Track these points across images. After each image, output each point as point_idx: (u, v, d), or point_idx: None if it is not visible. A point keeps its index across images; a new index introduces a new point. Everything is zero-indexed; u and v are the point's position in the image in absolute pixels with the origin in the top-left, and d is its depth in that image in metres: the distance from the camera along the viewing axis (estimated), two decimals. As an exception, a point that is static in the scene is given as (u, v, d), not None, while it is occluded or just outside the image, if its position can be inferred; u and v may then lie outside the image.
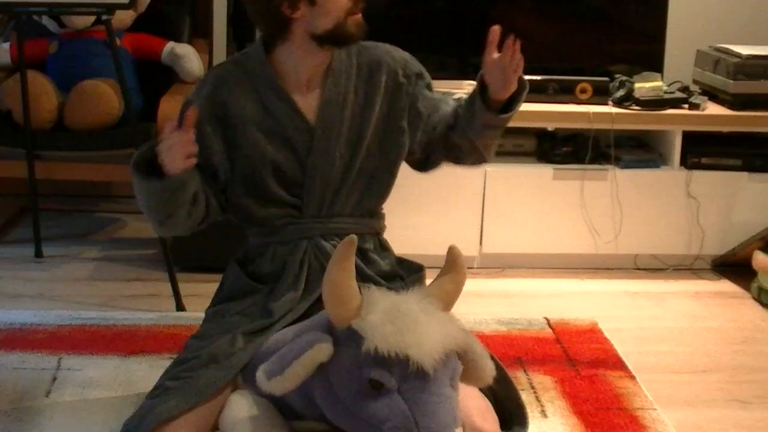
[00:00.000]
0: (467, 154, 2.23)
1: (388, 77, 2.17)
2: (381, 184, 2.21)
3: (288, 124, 2.11)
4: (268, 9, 2.06)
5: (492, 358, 1.90)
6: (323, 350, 1.75)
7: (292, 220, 2.16)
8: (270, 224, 2.17)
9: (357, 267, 1.83)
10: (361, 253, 2.13)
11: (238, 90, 2.11)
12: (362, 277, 2.07)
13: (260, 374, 1.79)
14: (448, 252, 1.89)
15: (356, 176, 2.16)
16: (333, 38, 2.06)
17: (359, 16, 2.06)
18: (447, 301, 1.86)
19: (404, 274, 2.23)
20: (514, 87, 2.10)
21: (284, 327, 2.05)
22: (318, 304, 1.97)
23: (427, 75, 2.26)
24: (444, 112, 2.22)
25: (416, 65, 2.23)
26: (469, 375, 1.83)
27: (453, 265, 1.88)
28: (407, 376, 1.71)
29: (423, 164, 2.30)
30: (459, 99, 2.26)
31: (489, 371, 1.85)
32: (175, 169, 1.95)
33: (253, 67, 2.13)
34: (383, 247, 2.25)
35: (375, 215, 2.24)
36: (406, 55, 2.23)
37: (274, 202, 2.14)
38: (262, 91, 2.11)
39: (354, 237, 1.77)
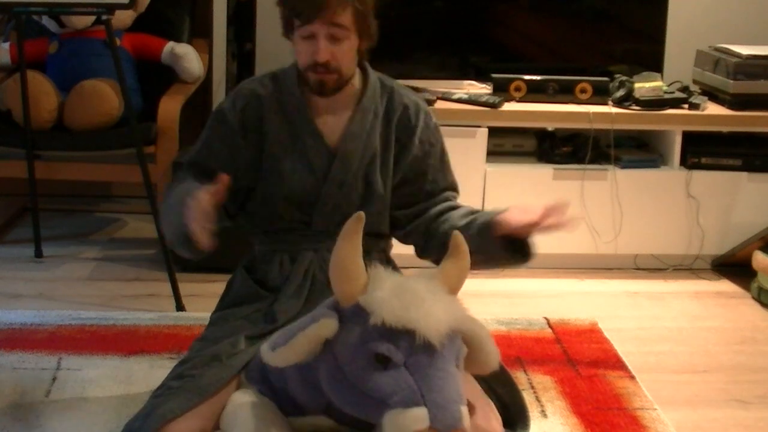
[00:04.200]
0: (434, 254, 2.19)
1: (405, 130, 2.22)
2: (387, 219, 2.25)
3: (310, 146, 2.16)
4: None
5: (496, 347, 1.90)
6: (328, 325, 1.76)
7: (301, 232, 2.19)
8: (277, 234, 2.19)
9: None
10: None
11: (270, 107, 2.17)
12: None
13: (265, 347, 1.80)
14: (451, 238, 1.91)
15: (369, 206, 2.18)
16: (304, 80, 2.15)
17: (321, 77, 2.10)
18: (451, 286, 1.86)
19: None
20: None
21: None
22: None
23: (442, 147, 2.29)
24: (434, 199, 2.25)
25: (435, 135, 2.26)
26: (474, 360, 1.83)
27: (456, 251, 1.90)
28: (414, 349, 1.72)
29: (393, 233, 2.31)
30: (452, 195, 2.29)
31: (494, 356, 1.85)
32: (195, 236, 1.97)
33: (286, 85, 2.19)
34: (389, 263, 2.26)
35: (382, 235, 2.26)
36: (432, 119, 2.27)
37: (283, 217, 2.19)
38: (290, 110, 2.17)
39: (362, 213, 1.79)
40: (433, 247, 2.19)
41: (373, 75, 2.23)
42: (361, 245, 1.80)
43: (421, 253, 2.26)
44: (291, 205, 2.17)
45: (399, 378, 1.72)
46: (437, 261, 2.09)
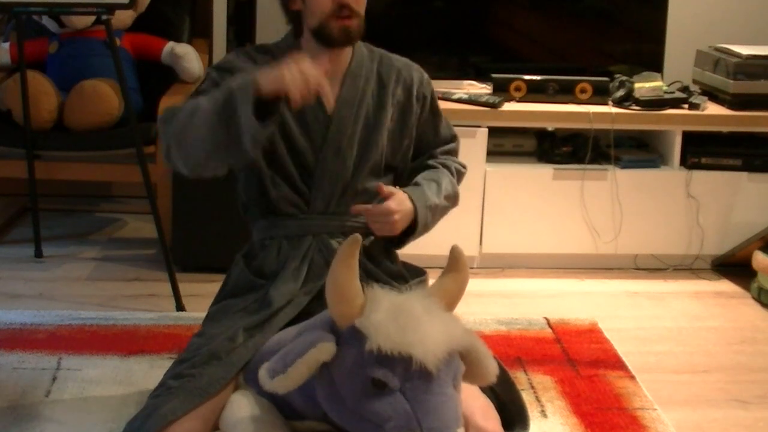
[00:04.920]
0: None
1: (404, 91, 2.24)
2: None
3: (308, 112, 2.15)
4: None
5: (494, 360, 1.90)
6: (326, 349, 1.75)
7: (299, 214, 2.17)
8: (277, 212, 2.18)
9: (361, 264, 1.83)
10: (366, 252, 2.15)
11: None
12: (366, 274, 2.10)
13: (263, 373, 1.79)
14: (450, 252, 1.90)
15: (365, 177, 2.19)
16: (321, 38, 2.13)
17: (345, 22, 2.10)
18: (450, 301, 1.86)
19: (408, 276, 2.24)
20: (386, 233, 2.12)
21: (286, 322, 2.06)
22: (320, 301, 1.98)
23: (435, 101, 2.32)
24: (418, 159, 2.30)
25: (428, 88, 2.29)
26: (472, 374, 1.83)
27: (455, 265, 1.89)
28: (410, 375, 1.71)
29: None
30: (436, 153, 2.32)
31: (492, 370, 1.85)
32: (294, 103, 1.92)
33: (282, 54, 2.14)
34: (388, 250, 2.26)
35: None
36: (424, 75, 2.30)
37: (286, 182, 2.17)
38: None
39: (358, 236, 1.78)
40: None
41: (359, 42, 2.24)
42: (357, 267, 1.79)
43: None
44: (294, 166, 2.16)
45: (395, 403, 1.71)
46: None
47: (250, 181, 2.21)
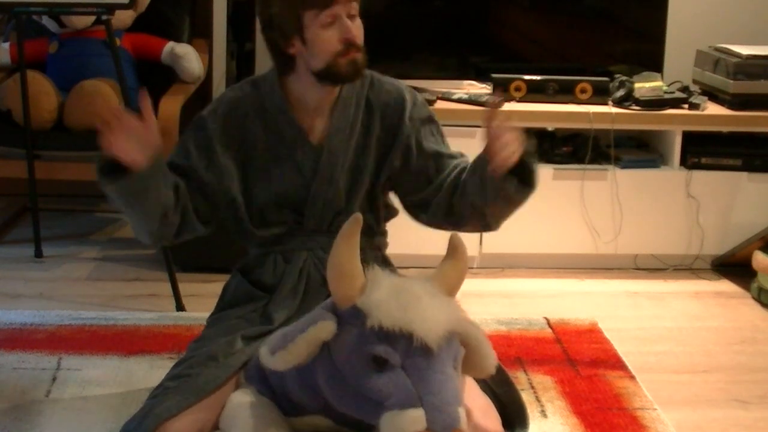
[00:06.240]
0: (468, 221, 2.19)
1: (392, 114, 2.20)
2: (380, 209, 2.25)
3: (296, 148, 2.15)
4: (270, 43, 2.12)
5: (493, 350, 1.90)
6: (327, 327, 1.77)
7: (293, 232, 2.18)
8: (270, 236, 2.19)
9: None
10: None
11: (252, 114, 2.15)
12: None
13: (264, 350, 1.81)
14: (449, 240, 1.91)
15: (358, 201, 2.19)
16: (327, 76, 2.09)
17: (354, 56, 2.07)
18: (449, 288, 1.87)
19: None
20: (505, 161, 2.07)
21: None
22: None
23: (434, 120, 2.26)
24: (445, 170, 2.21)
25: (424, 110, 2.24)
26: (471, 363, 1.84)
27: (454, 253, 1.90)
28: (411, 351, 1.72)
29: (419, 217, 2.27)
30: (461, 160, 2.23)
31: (491, 359, 1.85)
32: (131, 161, 2.05)
33: (267, 90, 2.16)
34: (386, 263, 2.26)
35: (377, 233, 2.26)
36: (418, 97, 2.25)
37: (275, 221, 2.19)
38: (273, 115, 2.15)
39: (359, 215, 1.80)
40: (464, 224, 2.19)
41: None
42: (358, 247, 1.80)
43: (455, 228, 2.19)
44: (282, 208, 2.17)
45: (396, 380, 1.72)
46: (475, 227, 2.21)
47: (227, 221, 2.22)
